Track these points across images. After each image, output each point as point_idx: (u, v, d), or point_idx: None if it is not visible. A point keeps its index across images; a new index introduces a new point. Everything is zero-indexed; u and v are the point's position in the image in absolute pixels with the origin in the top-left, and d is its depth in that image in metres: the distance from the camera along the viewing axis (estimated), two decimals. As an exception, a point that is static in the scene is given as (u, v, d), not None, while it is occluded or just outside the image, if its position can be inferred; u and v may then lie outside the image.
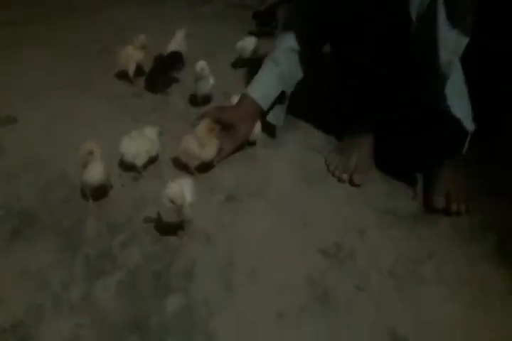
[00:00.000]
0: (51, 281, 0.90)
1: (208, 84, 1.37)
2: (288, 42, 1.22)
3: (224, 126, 1.17)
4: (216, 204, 1.08)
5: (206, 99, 1.43)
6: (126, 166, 1.15)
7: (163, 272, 0.91)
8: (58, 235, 0.99)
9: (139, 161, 1.13)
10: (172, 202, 0.90)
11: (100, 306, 0.85)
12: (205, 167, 1.16)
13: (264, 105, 1.22)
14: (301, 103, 1.33)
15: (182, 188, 0.92)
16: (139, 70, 1.52)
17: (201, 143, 1.11)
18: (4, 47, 1.71)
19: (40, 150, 1.22)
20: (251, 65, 1.55)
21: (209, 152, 1.12)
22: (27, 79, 1.53)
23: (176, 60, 1.46)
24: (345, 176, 1.14)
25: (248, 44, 1.59)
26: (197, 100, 1.42)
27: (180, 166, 1.16)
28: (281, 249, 0.96)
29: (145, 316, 0.84)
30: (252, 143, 1.26)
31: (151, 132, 1.16)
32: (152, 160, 1.18)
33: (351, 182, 1.14)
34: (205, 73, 1.34)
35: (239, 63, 1.65)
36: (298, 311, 0.85)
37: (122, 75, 1.53)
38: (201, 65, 1.32)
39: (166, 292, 0.88)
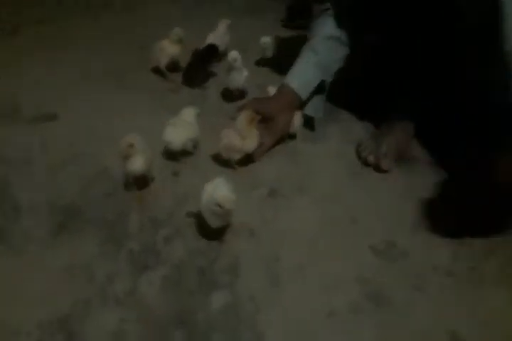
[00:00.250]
0: (96, 275, 0.89)
1: (241, 77, 1.32)
2: (327, 31, 1.18)
3: (262, 119, 1.12)
4: (258, 199, 1.05)
5: (240, 93, 1.39)
6: (170, 156, 1.15)
7: (207, 268, 0.89)
8: (102, 229, 0.99)
9: (188, 147, 1.13)
10: (220, 206, 0.86)
11: (145, 301, 0.84)
12: (246, 160, 1.13)
13: (304, 95, 1.18)
14: (341, 94, 1.29)
15: (228, 191, 0.88)
16: (175, 65, 1.51)
17: (242, 135, 1.08)
18: (40, 43, 1.74)
19: (81, 145, 1.23)
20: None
21: (251, 143, 1.09)
22: (64, 75, 1.54)
23: (212, 53, 1.44)
24: (371, 158, 1.10)
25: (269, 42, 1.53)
26: (231, 94, 1.39)
27: (221, 161, 1.14)
28: (329, 245, 0.93)
29: (190, 312, 0.82)
30: (293, 136, 1.22)
31: (189, 114, 1.15)
32: (195, 146, 1.17)
33: (378, 168, 1.09)
34: (237, 64, 1.29)
35: (262, 62, 1.61)
36: (350, 311, 0.81)
37: (158, 70, 1.52)
38: (233, 55, 1.27)
39: (211, 288, 0.86)
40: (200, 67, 1.45)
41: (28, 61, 1.59)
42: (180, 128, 1.11)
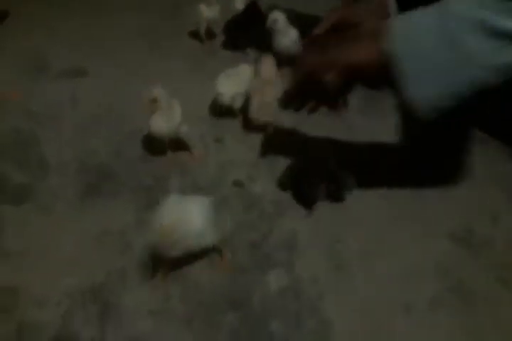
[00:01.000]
0: (134, 244, 0.79)
1: (286, 39, 1.14)
2: None
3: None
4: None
5: (289, 59, 1.20)
6: (222, 109, 1.05)
7: (261, 243, 0.79)
8: (138, 194, 0.88)
9: (237, 104, 1.02)
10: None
11: (191, 277, 0.74)
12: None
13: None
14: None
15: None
16: (212, 29, 1.38)
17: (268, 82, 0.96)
18: (67, 3, 1.61)
19: (113, 103, 1.11)
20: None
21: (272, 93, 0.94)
22: (96, 32, 1.42)
23: (254, 11, 1.30)
24: None
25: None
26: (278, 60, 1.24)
27: (256, 128, 1.02)
28: (402, 230, 0.81)
29: (244, 292, 0.71)
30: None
31: (245, 71, 1.04)
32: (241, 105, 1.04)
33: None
34: (279, 26, 1.13)
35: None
36: (428, 303, 0.70)
37: (194, 34, 1.39)
38: (273, 16, 1.12)
39: (266, 266, 0.75)
40: (240, 27, 1.31)
41: (62, 15, 1.47)
42: (235, 82, 1.00)
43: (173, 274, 0.74)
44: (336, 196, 0.85)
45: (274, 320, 0.67)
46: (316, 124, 1.02)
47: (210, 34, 1.38)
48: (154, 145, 0.96)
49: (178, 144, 0.95)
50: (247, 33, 1.32)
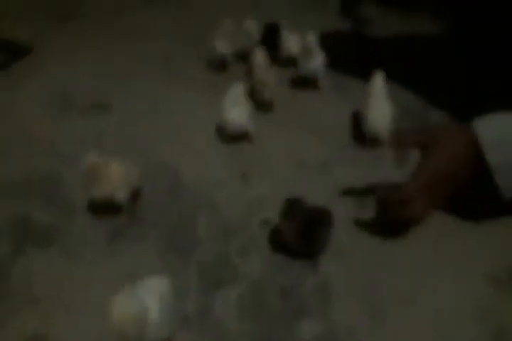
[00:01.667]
0: (162, 289, 0.77)
1: (313, 62, 1.16)
2: None
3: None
4: (345, 211, 0.90)
5: (312, 80, 1.22)
6: (235, 136, 1.06)
7: (292, 288, 0.76)
8: (165, 234, 0.87)
9: (250, 127, 1.05)
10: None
11: (220, 324, 0.71)
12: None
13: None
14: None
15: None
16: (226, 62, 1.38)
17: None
18: (96, 32, 1.65)
19: (137, 138, 1.11)
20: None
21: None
22: (119, 63, 1.44)
23: (273, 34, 1.31)
24: None
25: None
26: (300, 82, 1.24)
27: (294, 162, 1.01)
28: (438, 271, 0.78)
29: (276, 341, 0.69)
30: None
31: (239, 91, 1.05)
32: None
33: None
34: (310, 46, 1.15)
35: None
36: None
37: (215, 63, 1.40)
38: (310, 37, 1.15)
39: (298, 314, 0.72)
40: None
41: (84, 48, 1.50)
42: (239, 107, 1.03)
43: (200, 322, 0.71)
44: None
45: (310, 375, 0.65)
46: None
47: (225, 66, 1.38)
48: (183, 181, 0.97)
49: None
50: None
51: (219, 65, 1.37)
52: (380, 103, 1.00)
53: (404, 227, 0.82)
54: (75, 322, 0.73)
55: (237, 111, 1.02)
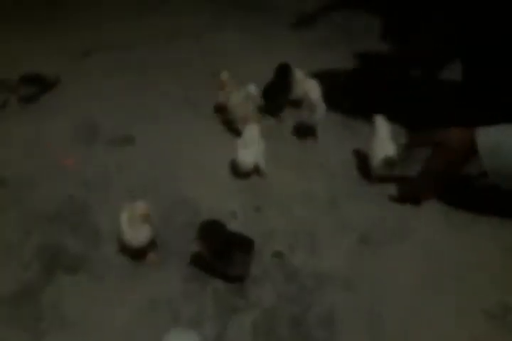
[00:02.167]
0: (181, 314, 0.84)
1: (316, 113, 1.21)
2: None
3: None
4: (349, 245, 0.98)
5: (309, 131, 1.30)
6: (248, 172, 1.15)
7: (301, 317, 0.83)
8: (184, 263, 0.94)
9: (262, 163, 1.14)
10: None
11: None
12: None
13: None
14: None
15: None
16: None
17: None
18: (118, 67, 1.75)
19: (159, 170, 1.19)
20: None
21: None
22: (144, 98, 1.52)
23: (286, 74, 1.39)
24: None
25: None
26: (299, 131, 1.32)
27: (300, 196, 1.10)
28: (436, 304, 0.85)
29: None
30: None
31: (253, 131, 1.14)
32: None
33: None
34: (312, 97, 1.22)
35: None
36: None
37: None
38: (310, 83, 1.25)
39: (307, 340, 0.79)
40: (276, 92, 1.38)
41: (108, 84, 1.60)
42: (251, 148, 1.12)
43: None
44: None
45: None
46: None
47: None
48: (202, 212, 1.05)
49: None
50: (281, 98, 1.41)
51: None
52: (385, 143, 1.09)
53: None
54: (101, 343, 0.79)
55: (248, 152, 1.11)
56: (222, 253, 0.85)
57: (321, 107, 1.22)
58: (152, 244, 0.95)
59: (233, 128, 1.30)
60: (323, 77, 1.40)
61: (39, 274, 0.93)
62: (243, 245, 0.87)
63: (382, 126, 1.11)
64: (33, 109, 1.45)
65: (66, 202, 1.09)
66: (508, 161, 0.89)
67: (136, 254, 0.94)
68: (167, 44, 1.96)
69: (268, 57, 1.57)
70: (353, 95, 1.49)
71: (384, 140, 1.09)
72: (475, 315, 0.82)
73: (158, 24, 2.06)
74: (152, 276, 0.92)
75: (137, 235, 0.89)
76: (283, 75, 1.39)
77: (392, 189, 1.11)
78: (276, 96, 1.39)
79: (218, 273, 0.90)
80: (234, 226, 1.01)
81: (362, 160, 1.18)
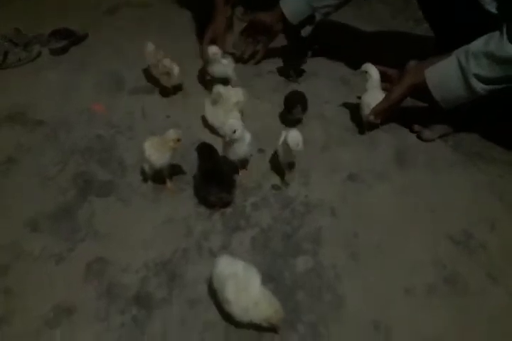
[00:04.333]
0: (194, 230, 1.02)
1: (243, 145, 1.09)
2: None
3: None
4: (338, 181, 1.13)
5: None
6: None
7: (292, 234, 1.00)
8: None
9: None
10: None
11: (237, 256, 0.95)
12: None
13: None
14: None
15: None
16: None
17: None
18: (135, 26, 1.86)
19: (176, 116, 1.34)
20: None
21: None
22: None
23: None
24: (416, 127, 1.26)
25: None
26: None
27: None
28: (408, 230, 1.01)
29: (277, 270, 0.93)
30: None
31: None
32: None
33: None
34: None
35: None
36: (426, 290, 0.89)
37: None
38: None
39: (295, 252, 0.96)
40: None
41: (131, 38, 1.69)
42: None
43: (221, 253, 0.95)
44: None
45: (300, 292, 0.88)
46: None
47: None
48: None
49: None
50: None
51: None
52: (374, 91, 1.20)
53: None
54: (126, 249, 0.98)
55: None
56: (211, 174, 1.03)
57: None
58: (173, 171, 1.12)
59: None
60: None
61: (75, 197, 1.10)
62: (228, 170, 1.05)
63: (373, 74, 1.21)
64: (63, 61, 1.59)
65: (96, 140, 1.26)
66: (451, 90, 1.07)
67: (157, 179, 1.11)
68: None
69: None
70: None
71: (373, 89, 1.20)
72: (441, 241, 0.98)
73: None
74: (170, 201, 1.09)
75: (161, 157, 1.05)
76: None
77: (381, 136, 1.25)
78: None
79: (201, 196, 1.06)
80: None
81: (354, 110, 1.30)
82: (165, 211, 1.06)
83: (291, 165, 1.12)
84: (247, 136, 1.08)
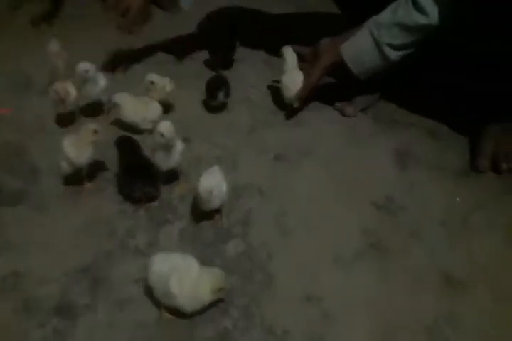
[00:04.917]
0: (117, 230, 0.95)
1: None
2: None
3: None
4: (266, 162, 1.11)
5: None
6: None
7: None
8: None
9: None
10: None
11: (166, 250, 0.90)
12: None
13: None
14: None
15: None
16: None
17: None
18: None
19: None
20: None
21: None
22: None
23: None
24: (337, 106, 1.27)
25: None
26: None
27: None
28: (334, 201, 1.01)
29: (209, 259, 0.89)
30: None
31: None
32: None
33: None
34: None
35: None
36: (353, 257, 0.90)
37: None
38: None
39: (226, 238, 0.93)
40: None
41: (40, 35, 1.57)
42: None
43: (149, 250, 0.90)
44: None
45: (232, 276, 0.86)
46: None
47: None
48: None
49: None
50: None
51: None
52: (292, 73, 1.19)
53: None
54: (43, 260, 0.90)
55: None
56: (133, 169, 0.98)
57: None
58: (93, 168, 1.05)
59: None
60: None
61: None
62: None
63: (289, 57, 1.20)
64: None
65: (2, 147, 1.15)
66: (368, 62, 1.08)
67: (75, 181, 1.03)
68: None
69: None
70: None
71: (292, 71, 1.19)
72: (365, 206, 1.00)
73: None
74: (89, 203, 1.01)
75: (82, 154, 0.98)
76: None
77: (305, 115, 1.25)
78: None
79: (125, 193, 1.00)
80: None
81: (278, 93, 1.28)
82: (85, 214, 0.99)
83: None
84: (179, 144, 0.98)
